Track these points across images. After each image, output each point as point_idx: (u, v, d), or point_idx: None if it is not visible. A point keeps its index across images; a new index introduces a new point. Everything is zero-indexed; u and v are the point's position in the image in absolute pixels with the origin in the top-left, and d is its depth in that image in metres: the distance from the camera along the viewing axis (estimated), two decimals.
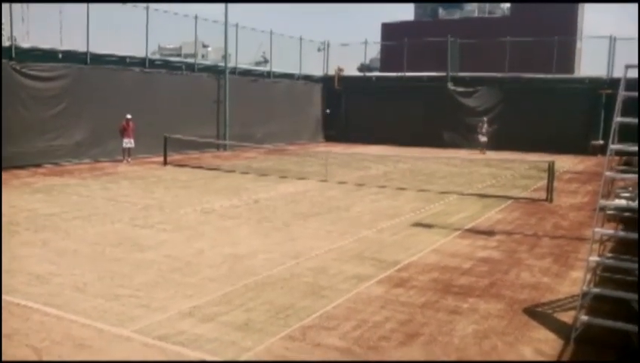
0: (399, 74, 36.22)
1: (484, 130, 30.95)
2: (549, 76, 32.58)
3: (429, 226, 12.51)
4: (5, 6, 20.30)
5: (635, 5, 27.61)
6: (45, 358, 5.86)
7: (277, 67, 34.41)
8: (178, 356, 5.97)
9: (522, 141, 30.44)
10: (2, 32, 20.58)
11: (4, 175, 18.74)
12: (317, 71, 38.50)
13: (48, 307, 7.22)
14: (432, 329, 6.80)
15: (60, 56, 22.27)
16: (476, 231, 12.12)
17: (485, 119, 31.33)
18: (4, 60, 20.11)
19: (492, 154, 27.88)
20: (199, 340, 6.32)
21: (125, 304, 7.39)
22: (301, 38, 36.06)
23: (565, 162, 25.84)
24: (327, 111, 36.94)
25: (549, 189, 16.28)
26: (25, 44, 21.77)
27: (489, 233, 12.01)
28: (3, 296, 7.57)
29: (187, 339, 6.35)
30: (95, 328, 6.62)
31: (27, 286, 8.03)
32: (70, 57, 22.65)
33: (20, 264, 9.08)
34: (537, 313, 7.42)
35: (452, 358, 6.08)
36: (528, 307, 7.61)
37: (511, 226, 12.84)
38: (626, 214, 10.67)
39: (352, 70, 41.61)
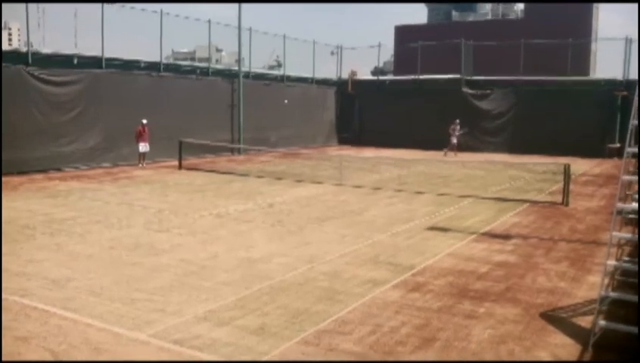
0: (413, 77, 36.13)
1: (457, 132, 30.82)
2: (564, 78, 32.36)
3: (444, 230, 12.46)
4: (22, 12, 20.53)
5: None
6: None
7: (290, 71, 34.49)
8: (193, 360, 5.98)
9: (537, 144, 30.25)
10: (11, 36, 20.86)
11: (19, 179, 18.94)
12: (330, 75, 38.53)
13: (64, 311, 7.27)
14: (448, 334, 6.76)
15: (75, 61, 22.45)
16: (491, 235, 12.05)
17: (457, 121, 31.04)
18: (20, 66, 20.33)
19: (507, 157, 27.66)
20: (215, 345, 6.32)
21: (141, 308, 7.42)
22: (314, 42, 36.12)
23: (581, 165, 25.63)
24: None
25: (565, 192, 16.15)
26: (42, 49, 21.98)
27: (504, 237, 11.94)
28: (20, 299, 7.63)
29: (203, 343, 6.36)
30: (112, 332, 6.65)
31: (44, 290, 8.08)
32: (85, 62, 22.83)
33: (37, 268, 9.15)
34: (554, 318, 7.36)
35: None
36: (545, 312, 7.54)
37: (526, 230, 12.75)
38: None
39: (365, 74, 41.60)
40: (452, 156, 28.91)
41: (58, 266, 9.29)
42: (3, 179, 18.55)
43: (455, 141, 30.67)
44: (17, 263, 9.41)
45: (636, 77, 26.53)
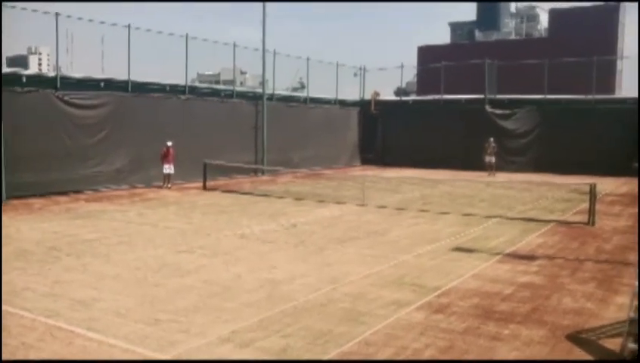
0: (436, 97, 36.12)
1: (491, 150, 30.59)
2: (589, 96, 32.08)
3: (469, 251, 12.35)
4: (51, 37, 20.98)
5: None
6: None
7: (313, 92, 34.71)
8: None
9: (562, 163, 29.98)
10: (41, 60, 21.43)
11: (45, 201, 19.27)
12: (353, 96, 38.69)
13: (89, 331, 7.33)
14: (473, 356, 6.67)
15: (102, 85, 22.87)
16: (516, 256, 11.91)
17: (491, 139, 30.82)
18: (49, 90, 20.77)
19: (532, 177, 27.41)
20: None
21: (166, 329, 7.46)
22: (337, 64, 36.35)
23: (607, 185, 25.28)
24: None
25: (591, 212, 15.93)
26: (70, 73, 22.45)
27: (530, 257, 11.79)
28: (46, 320, 7.72)
29: None
30: (136, 352, 6.68)
31: (70, 310, 8.17)
32: (112, 85, 23.25)
33: (63, 289, 9.26)
34: (581, 340, 7.23)
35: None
36: (571, 333, 7.41)
37: (552, 250, 12.58)
38: None
39: (388, 94, 41.68)
40: (492, 176, 28.71)
41: (84, 287, 9.39)
42: (28, 201, 18.91)
43: (493, 159, 30.42)
44: (44, 284, 9.54)
45: None
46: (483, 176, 28.76)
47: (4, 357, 5.11)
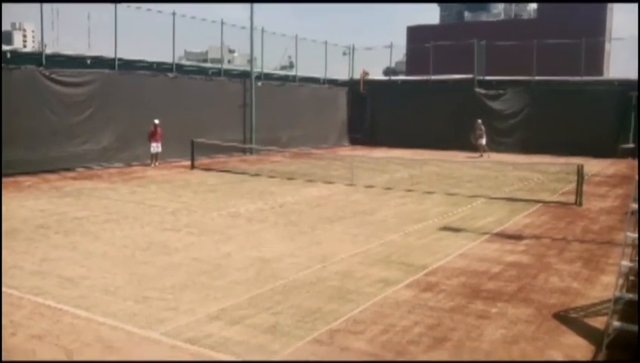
0: (425, 77, 36.05)
1: (480, 132, 30.32)
2: (577, 78, 32.17)
3: (456, 230, 12.42)
4: (36, 13, 20.67)
5: None
6: (75, 358, 5.94)
7: (302, 71, 34.52)
8: (206, 358, 6.00)
9: (550, 145, 30.12)
10: (26, 37, 21.08)
11: (33, 179, 19.11)
12: (342, 75, 38.52)
13: (78, 309, 7.32)
14: (460, 333, 6.74)
15: (88, 62, 22.61)
16: (504, 235, 11.99)
17: (479, 121, 30.72)
18: (34, 67, 20.50)
19: (519, 158, 27.52)
20: (227, 343, 6.35)
21: (154, 306, 7.46)
22: (326, 43, 36.14)
23: (594, 166, 25.46)
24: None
25: (578, 192, 16.05)
26: (54, 50, 22.16)
27: (517, 237, 11.88)
28: (34, 298, 7.70)
29: (215, 341, 6.38)
30: (124, 330, 6.69)
31: (58, 288, 8.15)
32: (98, 62, 22.99)
33: (51, 266, 9.22)
34: (567, 318, 7.32)
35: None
36: (558, 312, 7.50)
37: (539, 230, 12.68)
38: None
39: (377, 74, 41.55)
40: (487, 157, 28.65)
41: (72, 265, 9.36)
42: (16, 179, 18.75)
43: (484, 141, 30.28)
44: (32, 262, 9.50)
45: None
46: (472, 157, 28.83)
47: (19, 355, 5.12)
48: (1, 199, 14.86)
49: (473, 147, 30.82)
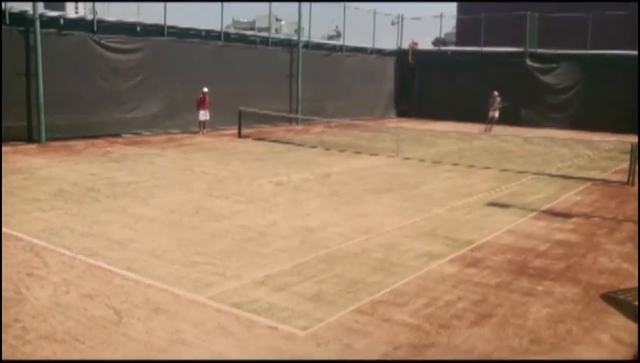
0: (476, 49, 35.28)
1: (497, 104, 28.74)
2: (636, 52, 30.94)
3: (504, 206, 12.23)
4: None
5: None
6: (124, 319, 6.12)
7: (349, 41, 34.14)
8: (250, 323, 6.10)
9: (604, 121, 29.14)
10: (77, 4, 21.27)
11: (82, 143, 19.58)
12: (390, 45, 37.99)
13: (127, 271, 7.52)
14: (505, 310, 6.68)
15: (138, 29, 22.82)
16: (552, 213, 11.76)
17: (496, 93, 29.20)
18: (85, 33, 20.82)
19: (571, 134, 26.79)
20: (272, 309, 6.44)
21: (201, 271, 7.61)
22: (375, 12, 35.63)
23: None
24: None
25: (631, 171, 15.57)
26: (106, 17, 22.46)
27: (566, 215, 11.64)
28: (86, 259, 7.93)
29: (260, 307, 6.49)
30: (172, 293, 6.85)
31: (108, 250, 8.38)
32: (148, 30, 23.19)
33: (101, 229, 9.48)
34: (616, 300, 7.16)
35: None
36: (606, 293, 7.35)
37: (589, 208, 12.39)
38: None
39: (426, 45, 40.83)
40: (489, 131, 27.69)
41: (121, 228, 9.60)
42: (67, 143, 19.24)
43: (496, 114, 29.07)
44: (83, 223, 9.77)
45: None
46: (519, 131, 28.04)
47: (6, 354, 5.25)
48: (0, 158, 15.25)
49: (525, 122, 30.04)
